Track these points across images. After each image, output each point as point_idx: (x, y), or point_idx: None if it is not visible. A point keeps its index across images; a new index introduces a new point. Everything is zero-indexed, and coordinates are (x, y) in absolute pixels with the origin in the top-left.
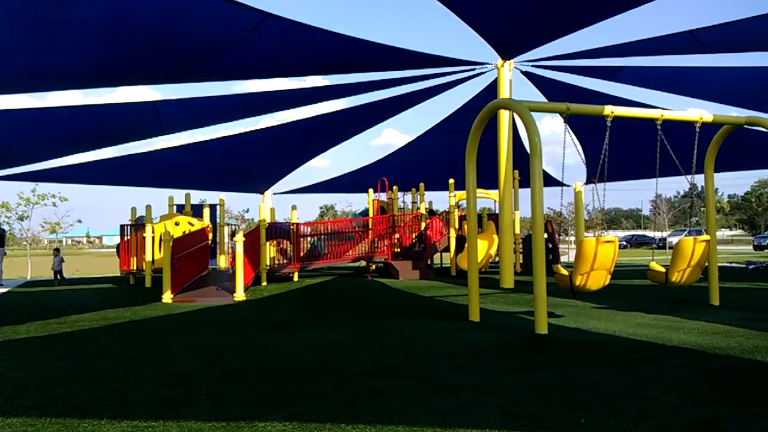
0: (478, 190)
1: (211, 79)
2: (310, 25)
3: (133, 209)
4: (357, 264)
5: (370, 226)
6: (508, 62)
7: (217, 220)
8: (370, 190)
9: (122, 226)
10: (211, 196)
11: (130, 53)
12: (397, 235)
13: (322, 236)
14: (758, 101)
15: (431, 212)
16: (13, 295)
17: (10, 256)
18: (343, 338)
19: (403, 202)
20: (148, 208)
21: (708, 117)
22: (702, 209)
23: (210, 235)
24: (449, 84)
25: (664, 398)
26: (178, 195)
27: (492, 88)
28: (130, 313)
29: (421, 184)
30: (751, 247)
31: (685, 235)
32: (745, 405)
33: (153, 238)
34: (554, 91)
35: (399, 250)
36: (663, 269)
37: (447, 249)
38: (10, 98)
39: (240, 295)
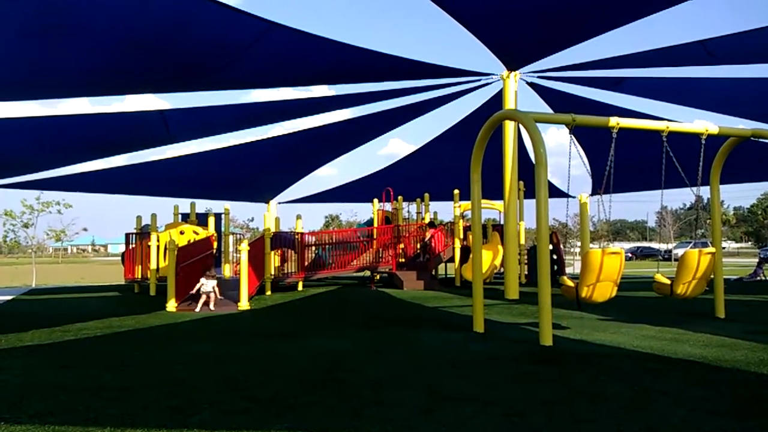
0: (483, 201)
1: (217, 88)
2: (315, 34)
3: (139, 218)
4: (361, 274)
5: (374, 236)
6: (513, 73)
7: (222, 229)
8: (375, 200)
9: (127, 235)
10: (216, 205)
11: (135, 61)
12: (401, 245)
13: (327, 246)
14: (762, 112)
15: (431, 224)
16: (18, 302)
17: (14, 263)
18: (347, 348)
19: (408, 212)
20: (154, 216)
21: (714, 129)
22: (707, 221)
23: (215, 244)
24: (455, 94)
25: (670, 411)
26: (184, 204)
27: (498, 99)
28: (135, 321)
29: (426, 194)
30: (757, 260)
31: (691, 248)
32: (751, 418)
33: (158, 246)
34: (560, 102)
35: (403, 260)
36: (668, 281)
37: (452, 259)
38: (18, 106)
39: (244, 304)
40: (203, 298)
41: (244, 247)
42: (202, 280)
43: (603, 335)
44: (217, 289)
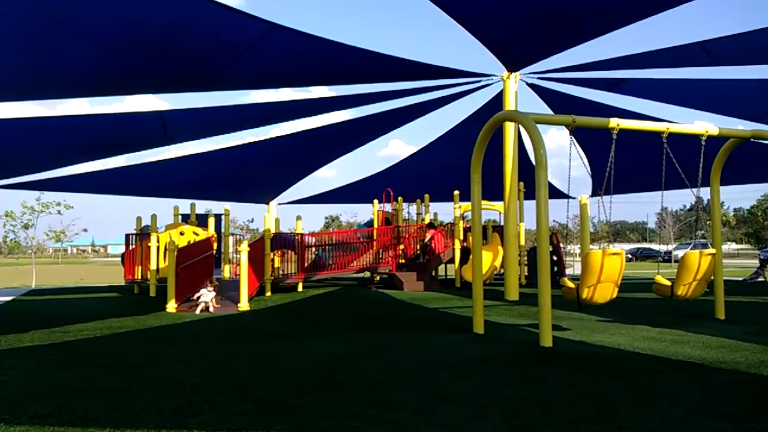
0: (483, 202)
1: (217, 88)
2: (315, 35)
3: (139, 218)
4: (361, 275)
5: (374, 237)
6: (513, 74)
7: (222, 230)
8: (375, 201)
9: (127, 236)
10: (216, 206)
11: (134, 62)
12: (401, 246)
13: (327, 247)
14: (762, 113)
15: (430, 225)
16: (18, 303)
17: (14, 264)
18: (347, 349)
19: (408, 212)
20: (154, 217)
21: (714, 130)
22: (707, 223)
23: (215, 245)
24: (455, 95)
25: (669, 412)
26: (184, 205)
27: (498, 100)
28: (134, 322)
29: (426, 195)
30: (757, 261)
31: (691, 249)
32: (751, 420)
33: (158, 247)
34: (560, 103)
35: (403, 261)
36: (668, 283)
37: (452, 260)
38: (17, 107)
39: (244, 305)
40: (201, 305)
41: (244, 248)
42: (203, 290)
43: (603, 336)
44: (214, 300)
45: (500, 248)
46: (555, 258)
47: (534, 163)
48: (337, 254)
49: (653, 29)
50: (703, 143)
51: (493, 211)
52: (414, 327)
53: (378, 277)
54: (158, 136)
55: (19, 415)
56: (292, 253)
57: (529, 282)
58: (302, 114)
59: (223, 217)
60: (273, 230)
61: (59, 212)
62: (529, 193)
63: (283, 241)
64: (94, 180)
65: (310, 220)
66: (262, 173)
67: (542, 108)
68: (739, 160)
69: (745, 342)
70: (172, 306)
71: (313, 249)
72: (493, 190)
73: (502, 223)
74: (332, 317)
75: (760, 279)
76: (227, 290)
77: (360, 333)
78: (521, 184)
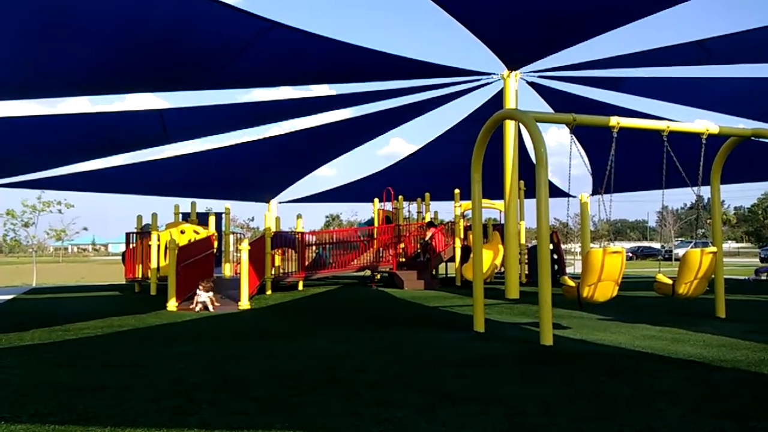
0: (484, 201)
1: (218, 87)
2: (315, 33)
3: (139, 217)
4: (362, 273)
5: (375, 236)
6: (514, 73)
7: (223, 229)
8: (376, 200)
9: (128, 234)
10: (216, 205)
11: (135, 61)
12: (402, 245)
13: (327, 245)
14: (763, 112)
15: (430, 224)
16: (19, 301)
17: (15, 263)
18: (347, 348)
19: (408, 211)
20: (154, 216)
21: (714, 129)
22: (708, 221)
23: (215, 244)
24: (456, 94)
25: (669, 411)
26: (184, 203)
27: (498, 98)
28: (135, 320)
29: (427, 194)
30: (757, 260)
31: (691, 247)
32: (751, 419)
33: (158, 246)
34: (560, 102)
35: (404, 259)
36: (670, 281)
37: (452, 259)
38: (17, 106)
39: (244, 303)
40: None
41: (245, 246)
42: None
43: (603, 335)
44: (214, 299)
45: (501, 247)
46: (555, 256)
47: (534, 161)
48: (337, 253)
49: (650, 29)
50: (704, 142)
51: (493, 209)
52: (414, 325)
53: (378, 276)
54: (158, 135)
55: (19, 414)
56: (293, 251)
57: (530, 280)
58: (302, 113)
59: (223, 215)
60: (273, 229)
61: (60, 211)
62: (530, 192)
63: (283, 240)
64: (95, 179)
65: (311, 219)
66: (263, 172)
67: (542, 106)
68: (740, 159)
69: (745, 340)
70: (172, 304)
71: (314, 247)
72: (494, 189)
73: (502, 222)
74: (332, 316)
75: (763, 277)
76: (228, 289)
77: (360, 331)
78: (521, 182)
